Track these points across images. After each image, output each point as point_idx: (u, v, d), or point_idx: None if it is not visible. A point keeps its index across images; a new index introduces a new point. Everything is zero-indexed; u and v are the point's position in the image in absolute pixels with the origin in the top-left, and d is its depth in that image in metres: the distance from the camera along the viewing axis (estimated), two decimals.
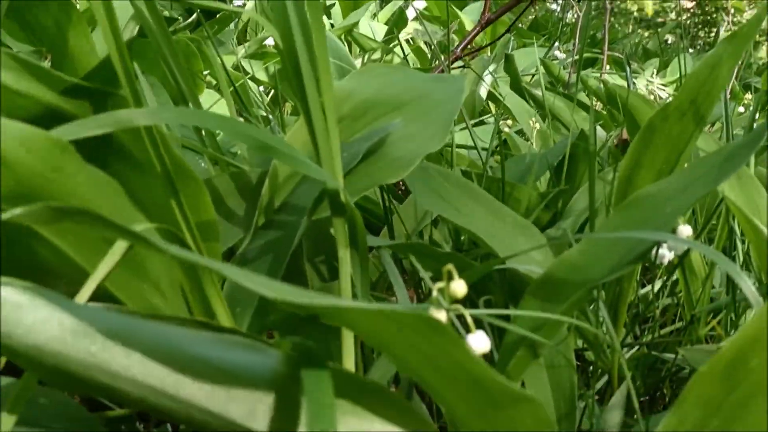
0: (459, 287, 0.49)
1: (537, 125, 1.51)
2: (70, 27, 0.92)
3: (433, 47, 2.47)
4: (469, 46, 1.18)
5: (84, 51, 0.94)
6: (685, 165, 0.82)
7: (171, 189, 0.53)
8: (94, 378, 0.41)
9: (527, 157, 1.11)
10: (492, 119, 1.60)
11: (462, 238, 0.98)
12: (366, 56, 1.61)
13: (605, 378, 0.87)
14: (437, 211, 0.87)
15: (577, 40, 2.11)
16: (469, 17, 2.44)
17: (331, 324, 0.54)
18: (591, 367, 0.92)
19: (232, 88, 1.25)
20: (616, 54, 3.10)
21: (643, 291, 0.99)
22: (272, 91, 1.75)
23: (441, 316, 0.50)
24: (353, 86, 0.73)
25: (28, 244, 0.48)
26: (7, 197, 0.44)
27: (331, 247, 0.81)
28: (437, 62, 2.09)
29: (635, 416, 0.71)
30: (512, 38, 2.85)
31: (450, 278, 0.49)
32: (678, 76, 3.29)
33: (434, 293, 0.49)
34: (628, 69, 1.66)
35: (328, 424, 0.38)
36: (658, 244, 0.82)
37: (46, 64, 0.65)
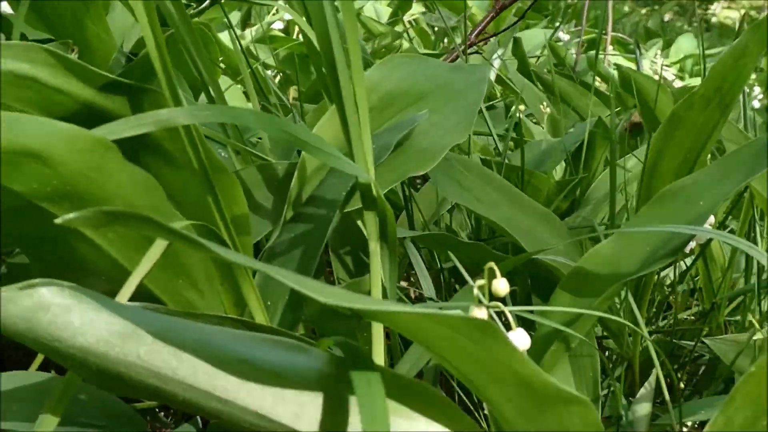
0: (501, 286, 0.48)
1: (548, 110, 1.50)
2: (87, 16, 0.91)
3: (436, 29, 2.46)
4: (483, 32, 1.17)
5: (101, 40, 0.94)
6: (708, 157, 0.82)
7: (208, 185, 0.53)
8: (142, 380, 0.41)
9: (543, 143, 1.10)
10: (501, 104, 1.59)
11: (481, 224, 0.98)
12: (376, 41, 1.60)
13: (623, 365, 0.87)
14: (459, 201, 0.86)
15: (584, 21, 2.10)
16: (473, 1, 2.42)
17: (373, 322, 0.54)
18: (607, 354, 0.92)
19: (241, 76, 1.24)
20: (620, 35, 3.09)
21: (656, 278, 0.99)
22: (279, 74, 1.74)
23: (482, 314, 0.49)
24: (378, 78, 0.73)
25: (69, 241, 0.47)
26: (50, 197, 0.43)
27: (357, 238, 0.81)
28: (446, 47, 2.08)
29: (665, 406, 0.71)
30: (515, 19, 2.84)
31: (492, 275, 0.49)
32: (681, 56, 3.29)
33: (475, 291, 0.49)
34: (637, 51, 1.65)
35: (383, 426, 0.38)
36: None
37: (74, 56, 0.65)
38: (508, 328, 0.51)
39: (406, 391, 0.44)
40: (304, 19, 0.68)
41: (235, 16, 1.94)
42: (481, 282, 0.50)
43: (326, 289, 0.38)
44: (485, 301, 0.50)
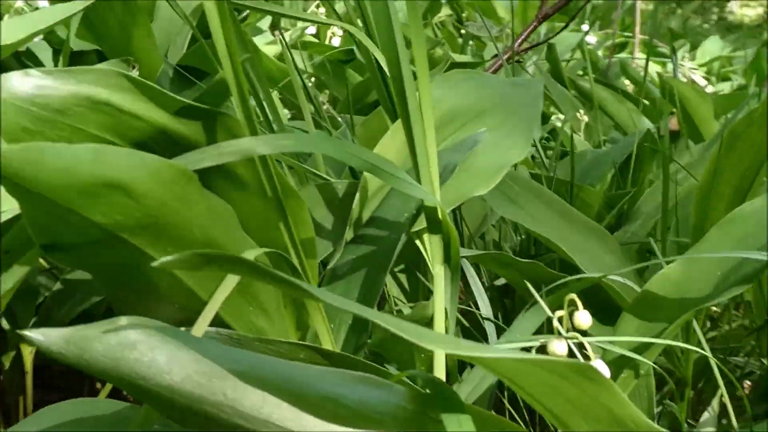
0: (584, 320, 0.47)
1: (585, 118, 1.49)
2: (134, 27, 0.91)
3: (462, 32, 2.44)
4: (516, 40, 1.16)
5: (147, 50, 0.93)
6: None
7: (280, 211, 0.52)
8: (227, 419, 0.40)
9: (588, 154, 1.09)
10: None
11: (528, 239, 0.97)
12: None
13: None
14: (511, 217, 0.85)
15: (615, 24, 2.08)
16: (500, 3, 2.40)
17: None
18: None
19: (282, 83, 1.23)
20: (646, 37, 3.07)
21: None
22: (312, 80, 1.73)
23: (561, 346, 0.48)
24: (438, 95, 0.72)
25: (144, 271, 0.47)
26: (131, 228, 0.43)
27: (411, 256, 0.80)
28: (475, 51, 2.06)
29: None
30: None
31: (572, 306, 0.48)
32: (708, 59, 3.27)
33: (555, 323, 0.48)
34: (674, 58, 1.63)
35: None
36: None
37: (135, 72, 0.64)
38: (586, 358, 0.50)
39: (488, 425, 0.44)
40: (362, 33, 0.67)
41: (264, 21, 1.93)
42: (560, 313, 0.49)
43: (425, 335, 0.37)
44: (564, 332, 0.49)
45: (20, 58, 1.08)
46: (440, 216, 0.59)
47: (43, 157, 0.36)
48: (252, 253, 0.48)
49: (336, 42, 1.71)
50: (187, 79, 0.92)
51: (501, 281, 0.89)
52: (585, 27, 2.93)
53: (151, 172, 0.41)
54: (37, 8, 0.98)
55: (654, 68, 2.69)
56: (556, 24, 3.07)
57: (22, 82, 0.45)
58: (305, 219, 0.56)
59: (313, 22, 1.10)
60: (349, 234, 0.65)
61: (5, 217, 0.57)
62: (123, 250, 0.44)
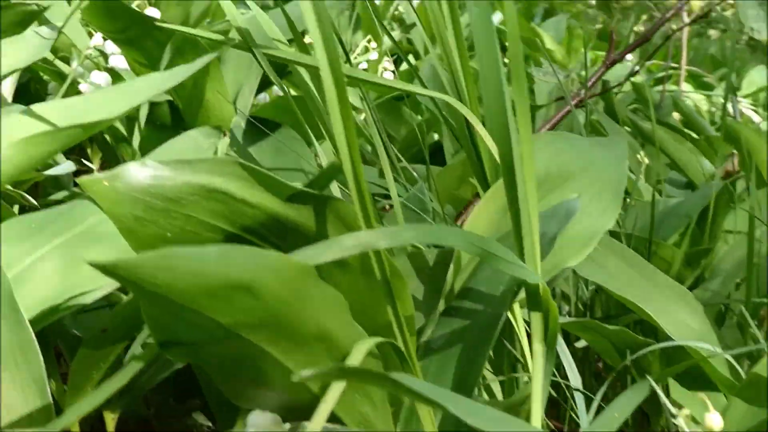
0: (716, 422, 0.46)
1: (646, 160, 1.46)
2: (207, 81, 0.91)
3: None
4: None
5: (219, 101, 0.93)
6: None
7: (388, 294, 0.51)
8: None
9: (659, 204, 1.06)
10: None
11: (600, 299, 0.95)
12: None
13: None
14: (591, 277, 0.83)
15: (684, 56, 2.05)
16: (547, 33, 2.37)
17: None
18: None
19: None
20: (694, 68, 3.03)
21: None
22: (362, 116, 1.72)
23: None
24: None
25: (257, 363, 0.45)
26: (251, 326, 0.42)
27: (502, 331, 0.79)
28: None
29: None
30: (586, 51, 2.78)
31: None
32: (755, 89, 3.22)
33: (680, 422, 0.46)
34: (733, 99, 1.61)
35: None
36: None
37: (225, 140, 0.63)
38: None
39: None
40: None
41: None
42: (686, 412, 0.47)
43: None
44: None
45: None
46: (542, 294, 0.58)
47: (177, 263, 0.35)
48: (365, 345, 0.47)
49: (387, 75, 1.70)
50: (260, 130, 0.91)
51: (582, 343, 0.87)
52: (629, 57, 2.90)
53: (274, 271, 0.40)
54: (102, 52, 0.98)
55: (694, 96, 2.66)
56: (599, 53, 3.04)
57: (139, 173, 0.44)
58: (407, 298, 0.55)
59: (402, 90, 1.08)
60: (441, 305, 0.64)
61: (95, 297, 0.56)
62: (239, 346, 0.43)
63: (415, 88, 0.65)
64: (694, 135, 1.73)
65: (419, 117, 1.55)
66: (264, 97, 1.21)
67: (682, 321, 0.81)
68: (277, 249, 0.51)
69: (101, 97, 0.60)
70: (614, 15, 1.39)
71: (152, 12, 1.02)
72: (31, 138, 0.53)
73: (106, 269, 0.34)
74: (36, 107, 0.57)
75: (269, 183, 0.47)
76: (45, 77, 1.03)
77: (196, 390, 0.76)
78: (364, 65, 1.77)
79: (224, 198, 0.46)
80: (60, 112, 0.58)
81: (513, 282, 0.61)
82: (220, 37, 0.67)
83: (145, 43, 0.86)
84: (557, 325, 0.60)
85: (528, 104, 0.56)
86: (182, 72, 0.61)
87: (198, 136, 0.59)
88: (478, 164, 0.69)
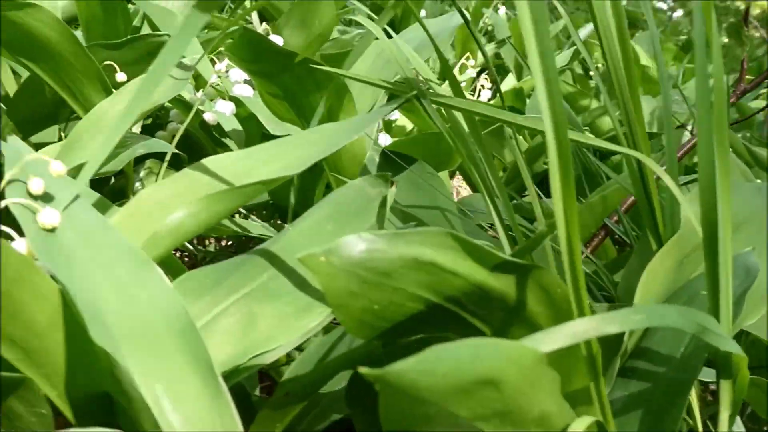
0: None
1: None
2: (340, 110, 0.89)
3: (591, 73, 2.37)
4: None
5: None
6: None
7: (592, 372, 0.48)
8: None
9: None
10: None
11: None
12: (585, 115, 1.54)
13: None
14: (756, 331, 0.80)
15: None
16: (641, 48, 2.31)
17: None
18: None
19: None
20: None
21: None
22: None
23: None
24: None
25: None
26: (486, 417, 0.39)
27: None
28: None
29: None
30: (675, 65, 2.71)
31: None
32: None
33: None
34: None
35: None
36: None
37: (392, 190, 0.61)
38: None
39: None
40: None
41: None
42: None
43: None
44: None
45: (211, 132, 1.07)
46: (735, 362, 0.55)
47: (437, 366, 0.33)
48: (582, 425, 0.44)
49: (485, 93, 1.67)
50: (395, 163, 0.89)
51: None
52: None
53: (515, 361, 0.38)
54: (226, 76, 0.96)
55: None
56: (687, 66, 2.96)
57: (355, 246, 0.42)
58: (599, 366, 0.53)
59: (577, 142, 1.05)
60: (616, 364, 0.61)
61: (274, 357, 0.54)
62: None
63: (580, 136, 0.62)
64: None
65: (520, 137, 1.51)
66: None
67: None
68: (475, 317, 0.49)
69: (275, 149, 0.58)
70: (746, 44, 1.34)
71: (276, 39, 1.01)
72: (216, 195, 0.51)
73: (375, 378, 0.32)
74: (215, 160, 0.56)
75: (478, 253, 0.44)
76: (167, 104, 1.02)
77: None
78: (397, 115, 1.73)
79: (432, 269, 0.44)
80: (236, 165, 0.56)
81: (698, 345, 0.58)
82: (393, 87, 0.64)
83: (283, 78, 0.85)
84: (745, 392, 0.57)
85: (729, 167, 0.53)
86: (359, 125, 0.59)
87: (364, 185, 0.57)
88: (649, 211, 0.66)
